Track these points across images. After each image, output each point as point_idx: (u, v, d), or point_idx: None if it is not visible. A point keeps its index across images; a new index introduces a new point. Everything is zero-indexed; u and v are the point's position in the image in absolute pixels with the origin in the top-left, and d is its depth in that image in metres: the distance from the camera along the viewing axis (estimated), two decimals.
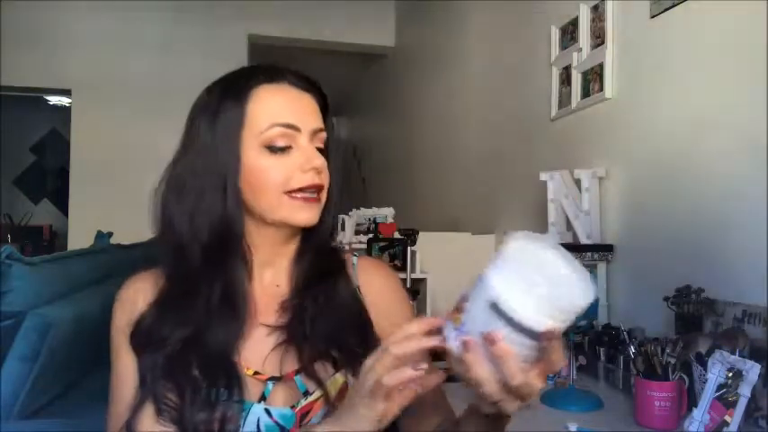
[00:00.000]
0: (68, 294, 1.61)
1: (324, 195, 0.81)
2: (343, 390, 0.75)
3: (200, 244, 0.77)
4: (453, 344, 0.57)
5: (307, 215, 0.78)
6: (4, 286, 1.39)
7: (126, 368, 0.78)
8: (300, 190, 0.77)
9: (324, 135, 0.82)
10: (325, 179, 0.80)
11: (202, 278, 0.78)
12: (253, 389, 0.76)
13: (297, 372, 0.77)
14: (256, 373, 0.77)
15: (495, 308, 0.54)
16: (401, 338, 0.60)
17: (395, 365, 0.60)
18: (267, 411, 0.76)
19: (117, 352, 0.79)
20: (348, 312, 0.82)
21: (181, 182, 0.79)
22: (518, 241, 0.57)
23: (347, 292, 0.84)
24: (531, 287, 0.53)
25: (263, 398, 0.77)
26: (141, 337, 0.77)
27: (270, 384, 0.77)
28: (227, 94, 0.79)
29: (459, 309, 0.58)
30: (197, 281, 0.77)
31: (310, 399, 0.76)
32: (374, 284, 0.87)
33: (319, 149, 0.80)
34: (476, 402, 0.64)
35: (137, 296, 0.81)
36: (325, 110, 0.84)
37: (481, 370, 0.56)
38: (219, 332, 0.76)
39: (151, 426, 0.72)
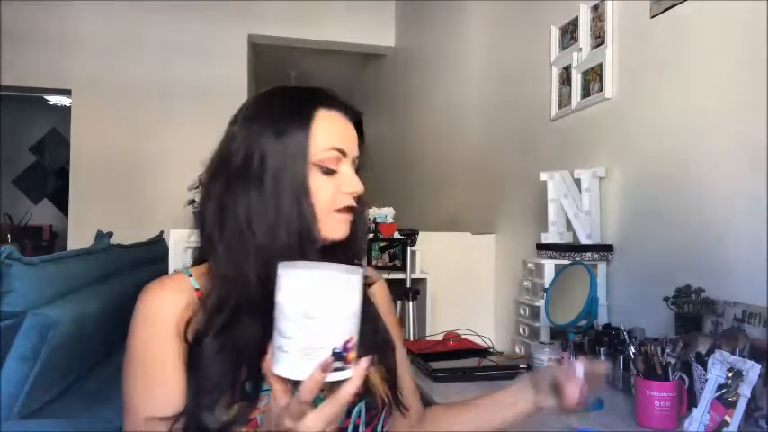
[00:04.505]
0: (68, 294, 1.62)
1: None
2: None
3: (275, 249, 0.78)
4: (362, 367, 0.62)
5: (345, 231, 0.84)
6: (4, 286, 1.39)
7: (174, 368, 0.77)
8: (342, 210, 0.83)
9: (357, 163, 0.88)
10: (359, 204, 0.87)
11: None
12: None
13: None
14: None
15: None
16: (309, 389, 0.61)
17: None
18: None
19: (161, 354, 0.77)
20: (377, 327, 0.89)
21: (246, 188, 0.80)
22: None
23: (372, 308, 0.91)
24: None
25: None
26: (208, 332, 0.77)
27: None
28: (293, 112, 0.82)
29: (338, 356, 0.61)
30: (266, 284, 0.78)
31: None
32: (379, 297, 0.97)
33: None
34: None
35: (174, 297, 0.80)
36: (361, 141, 0.90)
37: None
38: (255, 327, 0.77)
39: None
